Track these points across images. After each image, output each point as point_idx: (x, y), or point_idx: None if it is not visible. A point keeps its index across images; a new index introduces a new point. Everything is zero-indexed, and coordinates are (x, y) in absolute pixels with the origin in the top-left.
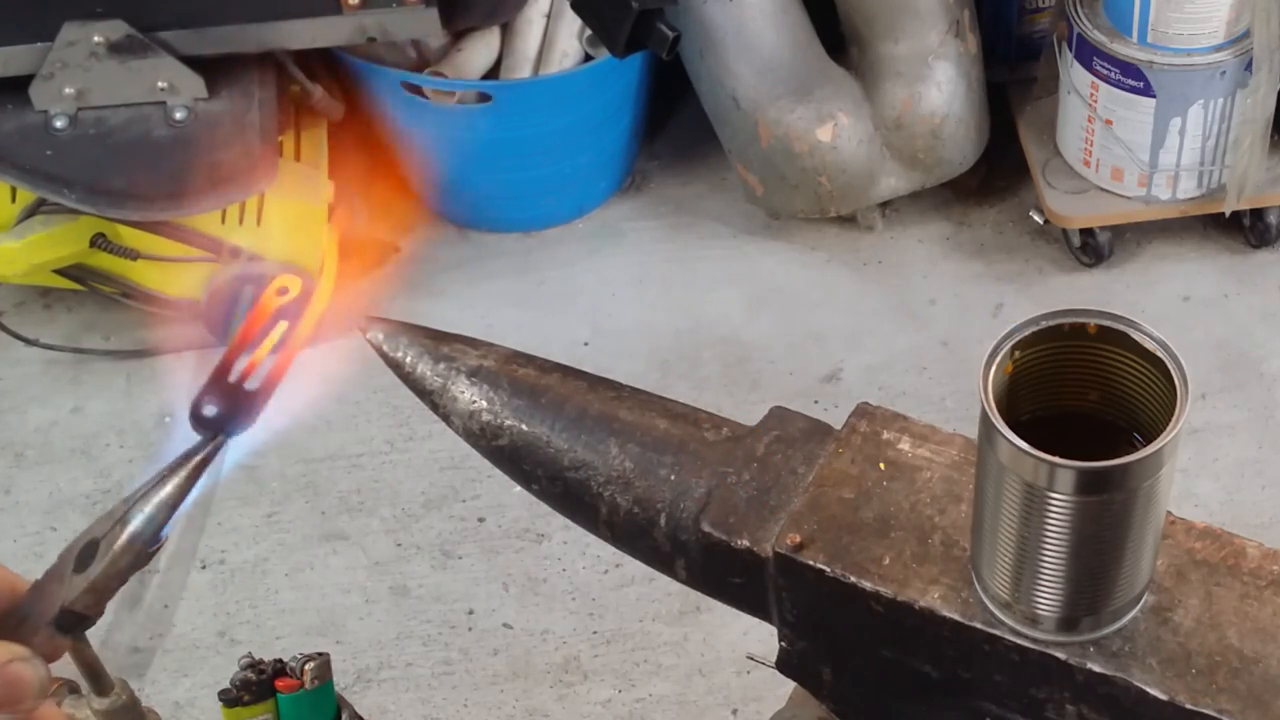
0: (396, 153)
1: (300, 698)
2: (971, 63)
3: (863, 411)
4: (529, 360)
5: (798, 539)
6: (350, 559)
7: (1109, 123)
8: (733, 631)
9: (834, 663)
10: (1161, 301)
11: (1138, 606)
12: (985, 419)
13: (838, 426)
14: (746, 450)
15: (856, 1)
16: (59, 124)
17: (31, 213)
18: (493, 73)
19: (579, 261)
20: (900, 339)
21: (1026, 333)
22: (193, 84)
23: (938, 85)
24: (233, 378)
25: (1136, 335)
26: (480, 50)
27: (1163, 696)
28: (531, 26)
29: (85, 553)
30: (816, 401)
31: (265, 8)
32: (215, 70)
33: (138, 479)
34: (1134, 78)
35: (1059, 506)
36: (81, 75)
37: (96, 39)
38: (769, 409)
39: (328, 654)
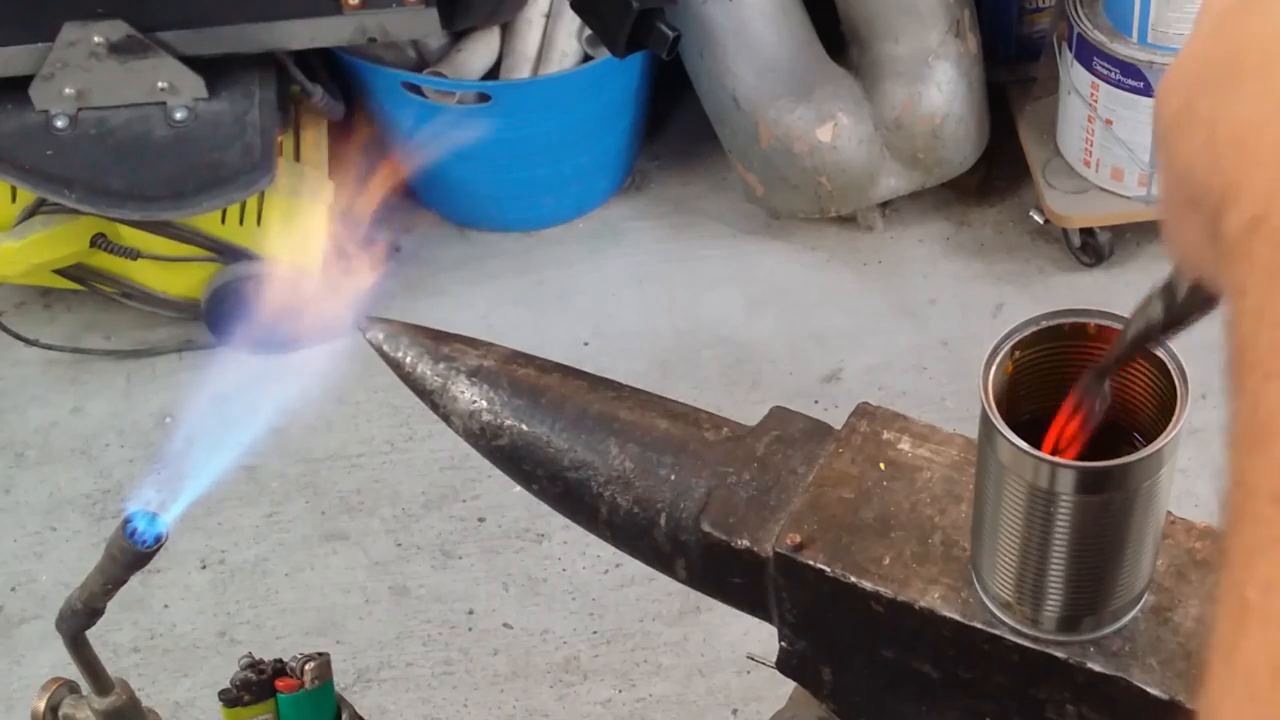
0: (396, 153)
1: (300, 698)
2: (971, 63)
3: (863, 411)
4: (529, 360)
5: (798, 539)
6: (350, 559)
7: (1109, 123)
8: (733, 631)
9: (834, 663)
10: None
11: (1138, 606)
12: (985, 419)
13: (838, 426)
14: (746, 450)
15: (856, 1)
16: (59, 124)
17: (31, 213)
18: (493, 73)
19: (579, 261)
20: (900, 339)
21: (1026, 333)
22: (193, 84)
23: (938, 85)
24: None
25: None
26: (480, 50)
27: (1163, 696)
28: (531, 26)
29: None
30: (816, 401)
31: (265, 8)
32: (215, 70)
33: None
34: (1134, 78)
35: (1059, 507)
36: (82, 75)
37: (97, 39)
38: (769, 409)
39: (328, 654)
